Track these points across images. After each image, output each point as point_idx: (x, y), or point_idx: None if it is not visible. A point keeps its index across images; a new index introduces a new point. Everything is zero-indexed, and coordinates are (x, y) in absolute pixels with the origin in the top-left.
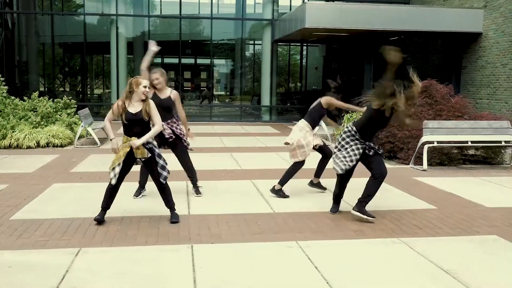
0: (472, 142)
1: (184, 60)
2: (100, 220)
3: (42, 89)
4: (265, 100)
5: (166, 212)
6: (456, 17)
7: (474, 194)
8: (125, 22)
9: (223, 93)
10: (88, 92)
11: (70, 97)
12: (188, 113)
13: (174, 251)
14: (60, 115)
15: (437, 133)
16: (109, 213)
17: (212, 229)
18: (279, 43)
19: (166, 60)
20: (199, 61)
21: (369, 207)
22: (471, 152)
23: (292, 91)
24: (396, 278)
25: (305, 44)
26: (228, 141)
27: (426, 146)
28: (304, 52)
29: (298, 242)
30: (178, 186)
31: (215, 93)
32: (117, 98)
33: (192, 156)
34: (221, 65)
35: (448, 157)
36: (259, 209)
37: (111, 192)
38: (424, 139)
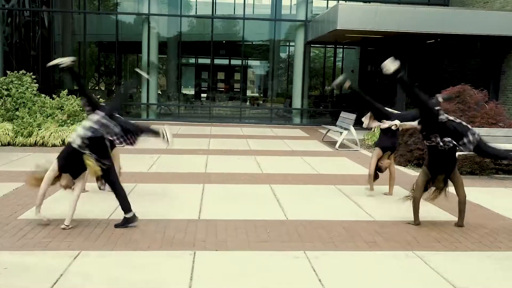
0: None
1: (217, 61)
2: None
3: (76, 87)
4: (297, 102)
5: (175, 216)
6: (496, 20)
7: (503, 206)
8: (157, 21)
9: (255, 94)
10: None
11: (99, 96)
12: (218, 114)
13: (175, 258)
14: None
15: None
16: (116, 216)
17: (219, 236)
18: (312, 45)
19: (200, 61)
20: (233, 62)
21: (385, 216)
22: (506, 161)
23: (326, 94)
24: None
25: (340, 47)
26: (255, 144)
27: (456, 154)
28: (340, 55)
29: (306, 253)
30: (193, 188)
31: (247, 94)
32: (148, 98)
33: (213, 158)
34: (254, 66)
35: (479, 166)
36: (272, 215)
37: None
38: None
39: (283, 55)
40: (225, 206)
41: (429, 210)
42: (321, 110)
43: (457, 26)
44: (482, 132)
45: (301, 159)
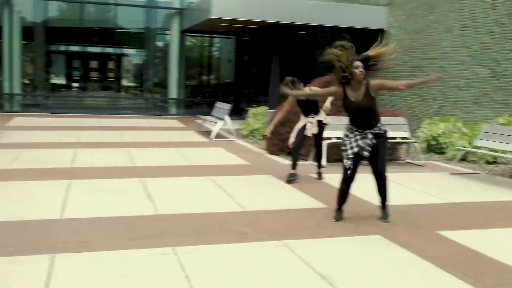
0: None
1: (90, 49)
2: None
3: None
4: (173, 92)
5: (34, 217)
6: (362, 14)
7: (368, 191)
8: (21, 4)
9: (131, 84)
10: None
11: None
12: (91, 105)
13: (30, 264)
14: None
15: (336, 129)
16: None
17: (84, 235)
18: (188, 34)
19: (72, 48)
20: (107, 50)
21: (257, 206)
22: None
23: (205, 84)
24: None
25: (216, 36)
26: (128, 135)
27: (325, 142)
28: (218, 45)
29: (175, 248)
30: (57, 185)
31: (122, 84)
32: (10, 87)
33: (82, 152)
34: (130, 55)
35: None
36: (142, 211)
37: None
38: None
39: (159, 43)
40: (91, 203)
41: (298, 198)
42: (199, 100)
43: (326, 18)
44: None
45: (176, 150)
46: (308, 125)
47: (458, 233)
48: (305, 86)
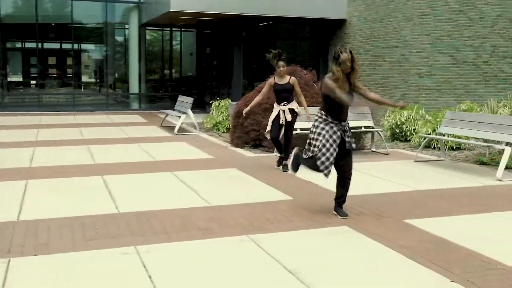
0: None
1: (47, 45)
2: None
3: None
4: (134, 87)
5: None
6: (322, 4)
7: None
8: None
9: (91, 80)
10: None
11: None
12: (50, 102)
13: None
14: None
15: (299, 119)
16: None
17: (41, 238)
18: (147, 28)
19: (28, 45)
20: (64, 46)
21: (222, 201)
22: None
23: (167, 78)
24: (232, 285)
25: (177, 30)
26: (89, 132)
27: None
28: (178, 38)
29: (136, 247)
30: (14, 186)
31: (82, 80)
32: None
33: (40, 150)
34: (89, 51)
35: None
36: (102, 209)
37: None
38: None
39: (119, 38)
40: (50, 203)
41: (264, 191)
42: (161, 94)
43: (286, 9)
44: (312, 111)
45: (138, 146)
46: (281, 113)
47: (424, 221)
48: (270, 77)
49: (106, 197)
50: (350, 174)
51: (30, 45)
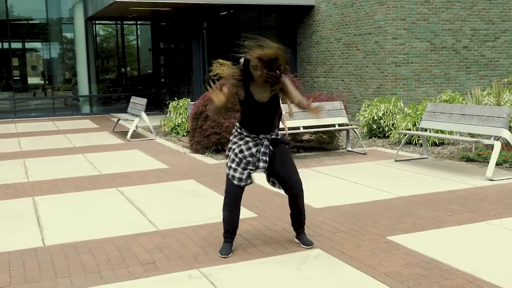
0: (304, 127)
1: None
2: None
3: None
4: (83, 89)
5: None
6: None
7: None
8: None
9: (36, 82)
10: None
11: None
12: None
13: None
14: None
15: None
16: None
17: None
18: (96, 21)
19: None
20: (5, 45)
21: (172, 223)
22: (305, 137)
23: (123, 77)
24: None
25: (133, 23)
26: (28, 143)
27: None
28: (134, 32)
29: None
30: None
31: (25, 83)
32: None
33: None
34: (32, 50)
35: None
36: (25, 243)
37: None
38: None
39: (66, 34)
40: None
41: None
42: (116, 95)
43: None
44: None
45: (83, 157)
46: None
47: (410, 237)
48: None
49: (32, 226)
50: (299, 189)
51: None
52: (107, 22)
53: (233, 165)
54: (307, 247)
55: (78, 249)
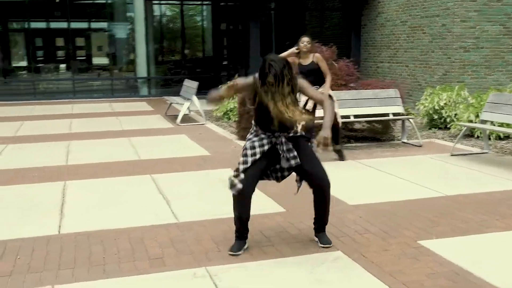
0: (355, 116)
1: (54, 25)
2: None
3: None
4: (142, 70)
5: None
6: None
7: (342, 185)
8: None
9: (95, 63)
10: None
11: None
12: (48, 89)
13: None
14: None
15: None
16: None
17: None
18: (154, 2)
19: (33, 25)
20: (58, 25)
21: (194, 215)
22: (357, 126)
23: (182, 59)
24: None
25: (191, 3)
26: (79, 125)
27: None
28: (194, 13)
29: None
30: None
31: (85, 65)
32: None
33: (11, 149)
34: (90, 30)
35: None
36: (41, 230)
37: None
38: None
39: (127, 15)
40: None
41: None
42: (176, 77)
43: None
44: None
45: (128, 141)
46: (309, 102)
47: (445, 242)
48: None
49: (54, 212)
50: (324, 185)
51: (35, 25)
52: (167, 1)
53: (241, 167)
54: (325, 245)
55: (91, 239)
